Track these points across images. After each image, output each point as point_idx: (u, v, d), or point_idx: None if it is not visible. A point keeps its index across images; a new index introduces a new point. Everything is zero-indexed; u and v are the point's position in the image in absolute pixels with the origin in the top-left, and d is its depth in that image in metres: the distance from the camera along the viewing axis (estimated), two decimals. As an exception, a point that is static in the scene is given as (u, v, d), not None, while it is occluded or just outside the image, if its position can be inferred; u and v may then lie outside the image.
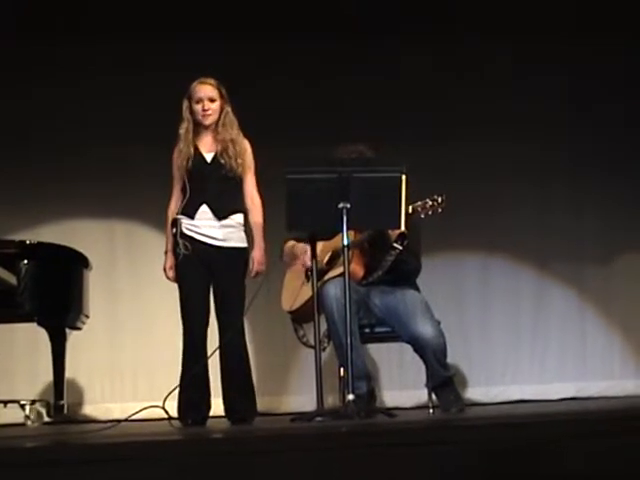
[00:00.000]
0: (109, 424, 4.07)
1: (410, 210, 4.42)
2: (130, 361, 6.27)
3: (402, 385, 6.27)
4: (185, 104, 4.76)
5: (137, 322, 6.27)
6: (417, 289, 4.76)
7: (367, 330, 4.77)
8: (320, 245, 4.65)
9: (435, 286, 5.66)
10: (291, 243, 4.90)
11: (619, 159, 6.71)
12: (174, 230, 4.70)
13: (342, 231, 4.17)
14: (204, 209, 4.69)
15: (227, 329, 4.62)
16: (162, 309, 5.63)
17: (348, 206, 4.15)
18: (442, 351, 4.56)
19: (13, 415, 5.47)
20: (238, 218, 4.74)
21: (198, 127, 4.76)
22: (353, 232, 4.46)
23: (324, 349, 4.62)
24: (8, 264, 4.90)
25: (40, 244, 5.08)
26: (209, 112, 4.72)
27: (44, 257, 5.00)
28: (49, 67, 6.29)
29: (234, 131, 4.75)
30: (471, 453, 2.84)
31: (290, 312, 4.85)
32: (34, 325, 4.99)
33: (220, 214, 4.69)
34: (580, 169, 6.71)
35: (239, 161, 4.71)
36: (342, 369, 4.59)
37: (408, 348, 4.67)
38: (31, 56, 6.25)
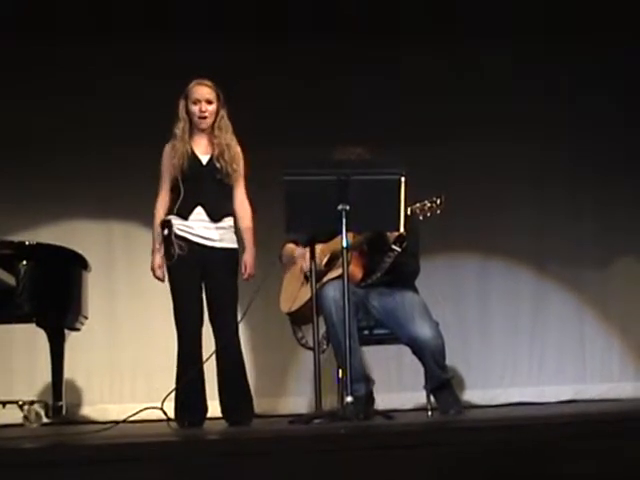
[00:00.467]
0: (107, 425, 4.06)
1: (409, 212, 4.41)
2: (129, 362, 6.27)
3: (400, 387, 6.25)
4: (181, 104, 4.75)
5: (135, 323, 6.27)
6: (416, 291, 4.76)
7: (366, 332, 4.76)
8: (319, 247, 4.64)
9: (434, 288, 5.66)
10: (290, 246, 4.89)
11: (619, 159, 6.71)
12: (166, 231, 4.67)
13: (341, 233, 4.15)
14: (199, 210, 4.68)
15: (221, 329, 4.62)
16: (160, 310, 5.60)
17: (347, 208, 4.13)
18: (441, 353, 4.56)
19: (12, 416, 5.48)
20: (230, 221, 4.76)
21: (193, 128, 4.75)
22: (352, 234, 4.45)
23: (323, 351, 4.61)
24: (7, 265, 4.90)
25: (39, 245, 5.09)
26: (206, 114, 4.71)
27: (43, 258, 5.00)
28: (49, 67, 6.29)
29: (229, 135, 4.75)
30: (469, 455, 2.84)
31: (289, 314, 4.84)
32: (33, 326, 4.99)
33: (215, 216, 4.69)
34: (580, 169, 6.71)
35: (234, 167, 4.72)
36: (340, 371, 4.58)
37: (407, 350, 4.66)
38: (31, 56, 6.25)
